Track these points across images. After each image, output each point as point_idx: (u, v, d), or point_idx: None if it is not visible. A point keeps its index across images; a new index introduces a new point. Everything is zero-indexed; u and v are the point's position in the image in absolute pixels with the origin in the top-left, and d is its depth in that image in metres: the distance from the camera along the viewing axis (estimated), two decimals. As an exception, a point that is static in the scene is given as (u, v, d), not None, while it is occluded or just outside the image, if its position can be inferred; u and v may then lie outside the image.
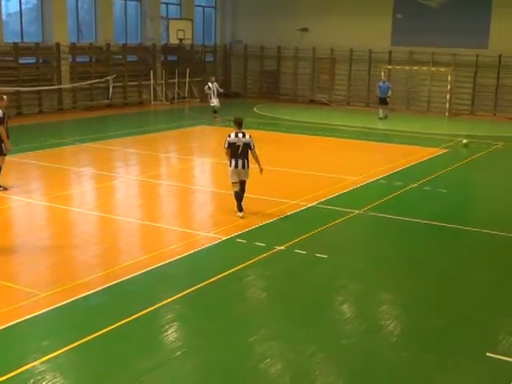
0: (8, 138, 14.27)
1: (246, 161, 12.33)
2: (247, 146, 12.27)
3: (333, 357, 7.42)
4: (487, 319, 8.47)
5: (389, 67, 32.47)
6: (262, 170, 12.37)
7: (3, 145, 14.19)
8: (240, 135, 12.26)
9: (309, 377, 6.93)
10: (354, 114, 30.56)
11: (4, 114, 14.13)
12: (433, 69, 31.47)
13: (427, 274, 10.08)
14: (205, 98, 28.97)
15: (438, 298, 9.20)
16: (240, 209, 12.50)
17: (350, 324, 8.25)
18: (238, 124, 12.37)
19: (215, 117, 26.76)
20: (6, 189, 14.26)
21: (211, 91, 26.92)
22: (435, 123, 28.56)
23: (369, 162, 19.41)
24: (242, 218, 12.34)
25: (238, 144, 12.22)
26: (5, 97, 14.48)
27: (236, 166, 12.28)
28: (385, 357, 7.46)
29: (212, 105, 27.04)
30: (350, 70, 34.31)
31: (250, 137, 12.37)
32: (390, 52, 32.73)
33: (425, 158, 19.57)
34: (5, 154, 14.40)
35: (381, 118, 28.60)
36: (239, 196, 12.54)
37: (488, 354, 7.42)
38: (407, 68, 32.14)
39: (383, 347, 7.68)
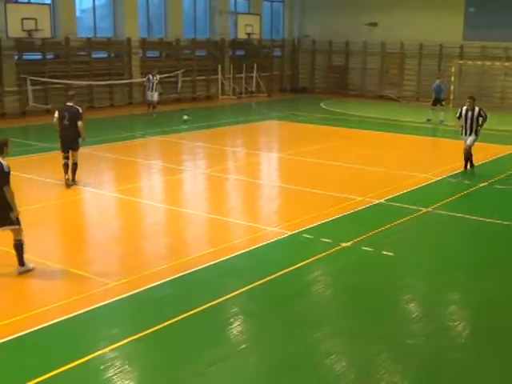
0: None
1: None
2: None
3: (398, 356, 7.34)
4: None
5: (460, 62, 31.75)
6: None
7: (80, 140, 14.41)
8: None
9: (374, 376, 6.87)
10: (424, 111, 29.96)
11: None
12: (506, 64, 30.60)
13: (497, 276, 9.83)
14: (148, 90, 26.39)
15: (507, 299, 8.97)
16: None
17: (416, 323, 8.13)
18: None
19: (151, 113, 25.84)
20: (76, 184, 14.42)
21: (150, 83, 25.92)
22: (508, 120, 27.72)
23: (437, 159, 19.10)
24: None
25: None
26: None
27: None
28: (452, 358, 7.32)
29: (148, 98, 26.14)
30: (420, 65, 33.72)
31: None
32: (462, 46, 31.99)
33: (495, 157, 19.06)
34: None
35: (429, 120, 25.93)
36: None
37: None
38: (479, 63, 31.35)
39: (450, 348, 7.55)
